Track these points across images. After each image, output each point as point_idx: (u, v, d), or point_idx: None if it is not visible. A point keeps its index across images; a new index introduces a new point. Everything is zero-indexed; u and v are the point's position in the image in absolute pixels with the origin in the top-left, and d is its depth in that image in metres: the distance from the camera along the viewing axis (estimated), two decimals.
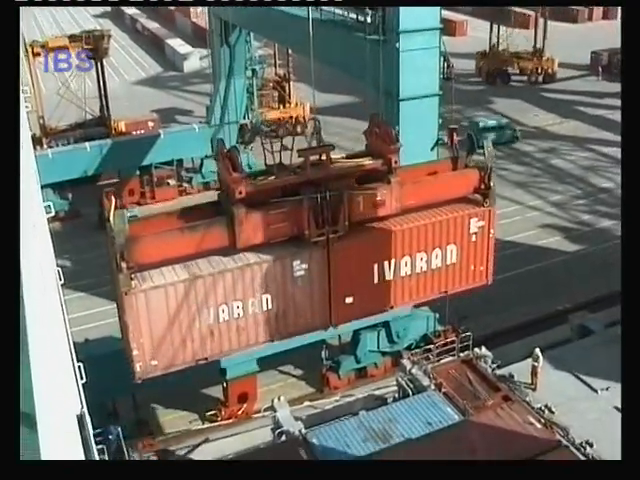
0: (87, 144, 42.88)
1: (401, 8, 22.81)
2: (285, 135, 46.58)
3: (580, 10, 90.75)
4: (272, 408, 21.62)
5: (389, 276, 17.09)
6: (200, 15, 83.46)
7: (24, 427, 5.45)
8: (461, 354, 23.16)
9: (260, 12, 31.97)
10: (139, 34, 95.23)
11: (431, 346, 23.99)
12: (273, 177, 15.95)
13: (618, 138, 40.08)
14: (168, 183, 45.14)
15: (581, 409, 20.26)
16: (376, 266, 16.86)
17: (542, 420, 19.35)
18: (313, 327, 17.32)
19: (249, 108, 48.20)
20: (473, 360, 22.28)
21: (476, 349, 22.79)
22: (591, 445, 18.49)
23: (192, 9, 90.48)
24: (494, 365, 22.19)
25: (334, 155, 16.39)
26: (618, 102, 32.25)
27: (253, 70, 47.42)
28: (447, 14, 74.80)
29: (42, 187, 17.88)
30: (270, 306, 16.16)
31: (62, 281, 13.56)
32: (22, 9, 12.15)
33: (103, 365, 19.45)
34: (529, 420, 19.21)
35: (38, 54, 47.49)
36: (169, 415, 26.44)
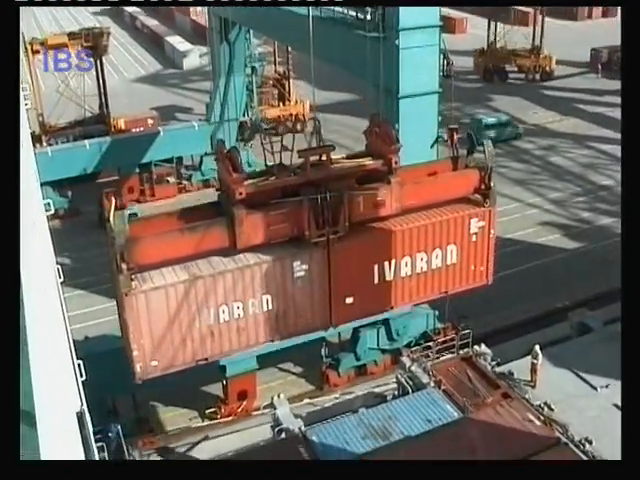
0: (86, 142, 42.87)
1: None
2: (285, 133, 46.60)
3: (580, 8, 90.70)
4: (272, 405, 21.64)
5: (389, 276, 17.09)
6: (200, 13, 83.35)
7: (24, 425, 5.45)
8: (461, 351, 23.16)
9: (260, 10, 31.97)
10: (138, 31, 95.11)
11: (431, 343, 23.98)
12: (273, 178, 15.93)
13: (618, 135, 40.18)
14: (168, 181, 45.14)
15: (580, 406, 20.28)
16: (376, 266, 16.87)
17: (541, 417, 19.37)
18: (313, 327, 17.33)
19: (249, 106, 48.13)
20: (473, 357, 22.31)
21: (476, 346, 22.80)
22: (590, 442, 18.52)
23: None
24: (493, 362, 22.22)
25: (334, 155, 16.38)
26: (618, 99, 32.27)
27: (253, 67, 47.45)
28: (447, 11, 74.86)
29: (42, 185, 17.91)
30: (270, 306, 16.16)
31: (62, 279, 13.57)
32: (22, 8, 12.13)
33: (103, 363, 19.50)
34: (528, 417, 19.24)
35: (37, 52, 47.47)
36: (169, 412, 26.47)
